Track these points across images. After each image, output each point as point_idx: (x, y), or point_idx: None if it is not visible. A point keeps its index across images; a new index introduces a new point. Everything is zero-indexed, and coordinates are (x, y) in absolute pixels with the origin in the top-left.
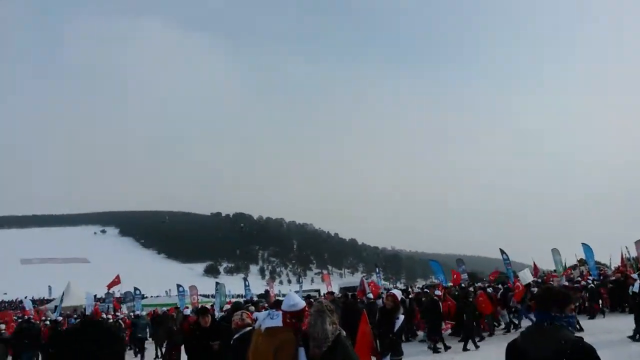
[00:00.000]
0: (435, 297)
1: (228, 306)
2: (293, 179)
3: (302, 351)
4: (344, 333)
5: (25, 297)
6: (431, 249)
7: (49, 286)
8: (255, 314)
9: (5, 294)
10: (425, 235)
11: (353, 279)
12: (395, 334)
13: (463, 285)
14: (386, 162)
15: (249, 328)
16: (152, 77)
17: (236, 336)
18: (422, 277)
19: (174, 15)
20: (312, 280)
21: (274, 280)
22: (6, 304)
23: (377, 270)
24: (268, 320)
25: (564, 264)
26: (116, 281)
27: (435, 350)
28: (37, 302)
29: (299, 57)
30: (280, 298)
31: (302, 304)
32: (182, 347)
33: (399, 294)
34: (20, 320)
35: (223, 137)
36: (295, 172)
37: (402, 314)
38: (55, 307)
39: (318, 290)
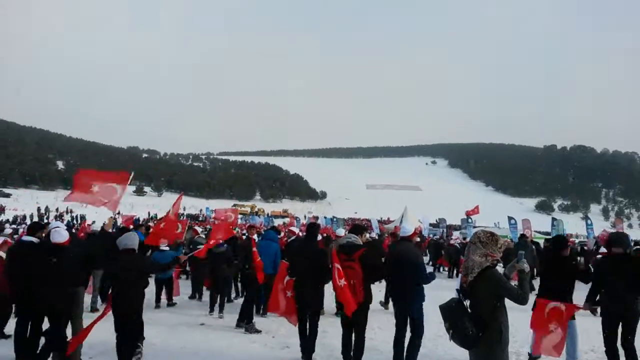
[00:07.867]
0: None
1: None
2: None
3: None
4: (496, 265)
5: (379, 220)
6: None
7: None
8: None
9: (356, 213)
10: None
11: None
12: None
13: None
14: None
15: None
16: None
17: None
18: None
19: None
20: None
21: (621, 222)
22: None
23: None
24: None
25: None
26: (475, 211)
27: None
28: (380, 222)
29: None
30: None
31: None
32: None
33: None
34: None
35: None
36: None
37: None
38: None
39: None
